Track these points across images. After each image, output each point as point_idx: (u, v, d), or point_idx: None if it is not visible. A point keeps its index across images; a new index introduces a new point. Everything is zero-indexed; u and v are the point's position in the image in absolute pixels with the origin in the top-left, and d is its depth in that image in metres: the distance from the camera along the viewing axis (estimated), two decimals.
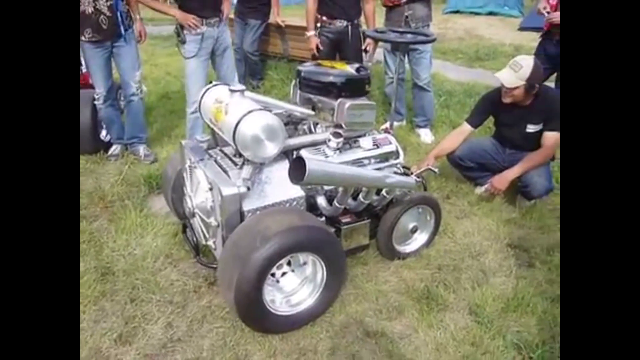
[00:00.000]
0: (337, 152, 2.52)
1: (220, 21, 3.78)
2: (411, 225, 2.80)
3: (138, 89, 3.76)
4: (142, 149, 3.99)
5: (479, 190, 3.53)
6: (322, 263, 2.27)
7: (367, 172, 2.35)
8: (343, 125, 2.52)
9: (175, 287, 2.59)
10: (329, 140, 2.49)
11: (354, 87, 2.53)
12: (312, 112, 2.64)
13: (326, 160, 2.40)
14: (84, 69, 4.21)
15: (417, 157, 4.11)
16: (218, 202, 2.27)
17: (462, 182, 3.66)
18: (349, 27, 4.12)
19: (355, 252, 2.77)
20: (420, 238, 2.88)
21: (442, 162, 3.63)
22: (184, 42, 3.73)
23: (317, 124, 2.66)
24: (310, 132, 2.64)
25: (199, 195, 2.40)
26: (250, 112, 2.21)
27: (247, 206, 2.30)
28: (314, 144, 2.54)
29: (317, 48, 4.19)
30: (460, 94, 5.61)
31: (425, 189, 3.07)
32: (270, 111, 2.28)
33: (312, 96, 2.62)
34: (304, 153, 2.45)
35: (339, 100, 2.51)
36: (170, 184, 2.88)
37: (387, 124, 4.25)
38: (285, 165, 2.48)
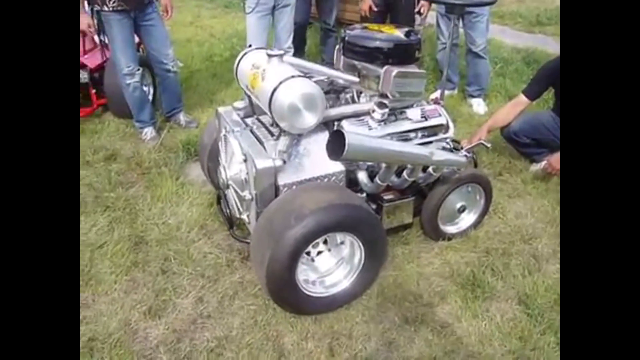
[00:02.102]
0: (382, 124, 2.33)
1: None
2: (459, 205, 2.60)
3: (174, 66, 3.61)
4: (182, 116, 3.90)
5: (535, 167, 3.26)
6: (361, 244, 2.12)
7: (412, 148, 2.15)
8: (389, 95, 2.31)
9: (208, 260, 2.51)
10: (373, 111, 2.30)
11: (402, 54, 2.31)
12: (357, 79, 2.44)
13: (368, 134, 2.22)
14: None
15: (469, 129, 3.84)
16: (252, 175, 2.14)
17: (516, 157, 3.40)
18: None
19: (397, 230, 2.61)
20: (468, 218, 2.67)
21: (495, 135, 3.36)
22: None
23: (361, 92, 2.46)
24: (354, 101, 2.45)
25: (233, 166, 2.28)
26: (287, 78, 2.04)
27: (282, 180, 2.16)
28: (356, 115, 2.35)
29: (371, 9, 3.94)
30: (518, 61, 5.21)
31: (475, 165, 2.84)
32: (310, 78, 2.09)
33: (356, 62, 2.42)
34: (345, 125, 2.28)
35: (385, 67, 2.29)
36: (206, 152, 2.78)
37: (438, 94, 3.99)
38: (324, 137, 2.30)
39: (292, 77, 2.06)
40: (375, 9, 3.95)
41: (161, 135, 3.68)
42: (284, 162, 2.13)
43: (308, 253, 2.20)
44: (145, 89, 4.12)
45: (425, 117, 2.44)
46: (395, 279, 2.38)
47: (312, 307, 2.14)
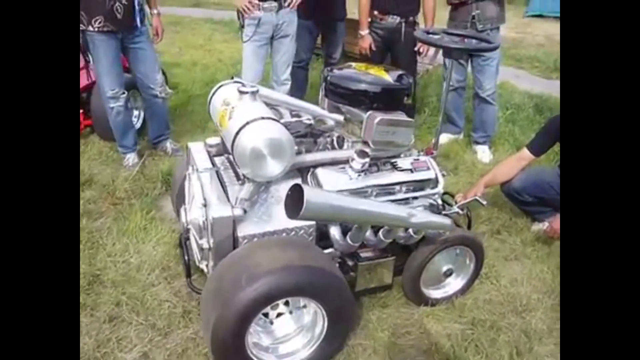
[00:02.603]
0: (362, 174, 2.10)
1: (280, 7, 3.45)
2: (445, 268, 2.34)
3: (161, 93, 3.45)
4: (168, 144, 3.72)
5: (537, 227, 3.00)
6: (324, 312, 1.87)
7: (386, 208, 1.90)
8: (370, 144, 2.09)
9: (163, 309, 2.27)
10: (352, 159, 2.07)
11: (388, 99, 2.10)
12: (341, 118, 2.23)
13: (340, 187, 1.99)
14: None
15: (470, 178, 3.60)
16: (209, 223, 1.92)
17: (517, 214, 3.13)
18: (402, 24, 3.64)
19: (374, 290, 2.36)
20: (454, 283, 2.41)
21: (496, 189, 3.11)
22: (242, 26, 3.56)
23: (342, 138, 2.24)
24: (333, 147, 2.23)
25: (193, 210, 2.06)
26: (253, 120, 1.83)
27: (242, 231, 1.93)
28: (335, 162, 2.13)
29: (370, 48, 3.74)
30: (529, 108, 4.97)
31: (469, 224, 2.59)
32: (277, 121, 1.88)
33: (340, 105, 2.21)
34: (319, 173, 2.06)
35: (369, 113, 2.09)
36: (176, 188, 2.58)
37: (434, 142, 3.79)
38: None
39: (258, 118, 1.85)
40: (374, 48, 3.75)
41: (141, 164, 3.49)
42: (245, 211, 1.90)
43: (266, 314, 1.96)
44: (136, 112, 3.98)
45: (411, 170, 2.20)
46: (364, 349, 2.11)
47: None
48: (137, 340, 2.11)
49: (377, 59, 3.78)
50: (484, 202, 2.53)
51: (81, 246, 2.63)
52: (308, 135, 2.20)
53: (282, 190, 2.06)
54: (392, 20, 3.65)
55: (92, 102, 3.69)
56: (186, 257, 2.22)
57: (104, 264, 2.53)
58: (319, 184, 2.04)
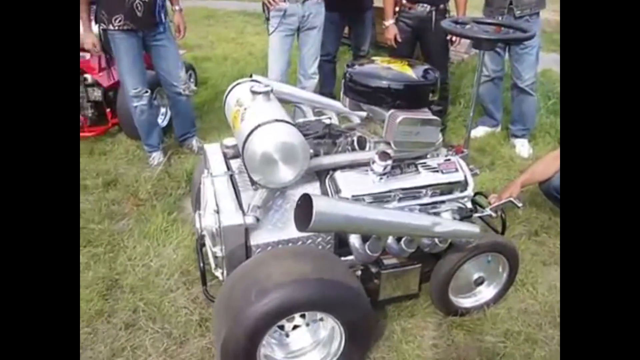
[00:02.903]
0: (384, 177, 1.96)
1: None
2: (476, 276, 2.18)
3: (185, 90, 3.38)
4: (194, 142, 3.67)
5: None
6: (341, 327, 1.75)
7: (406, 217, 1.76)
8: (392, 145, 1.95)
9: (180, 316, 2.21)
10: (373, 162, 1.93)
11: (411, 96, 1.94)
12: (363, 115, 2.10)
13: (353, 195, 1.85)
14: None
15: (508, 175, 3.39)
16: (221, 231, 1.83)
17: (557, 215, 2.92)
18: (433, 13, 3.43)
19: (400, 300, 2.23)
20: (486, 292, 2.25)
21: (535, 187, 2.90)
22: (267, 18, 3.48)
23: (364, 138, 2.10)
24: (354, 148, 2.09)
25: (207, 216, 1.97)
26: (264, 123, 1.73)
27: (255, 240, 1.84)
28: (354, 165, 2.00)
29: (396, 39, 3.56)
30: None
31: (503, 228, 2.40)
32: (290, 123, 1.76)
33: (361, 104, 2.08)
34: (337, 176, 1.93)
35: (390, 111, 1.94)
36: (194, 191, 2.50)
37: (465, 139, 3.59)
38: (314, 189, 1.98)
39: (270, 121, 1.74)
40: (399, 40, 3.56)
41: (166, 162, 3.45)
42: (257, 219, 1.80)
43: (281, 327, 1.86)
44: (163, 110, 3.94)
45: (438, 171, 2.05)
46: None
47: None
48: (152, 349, 2.06)
49: (406, 50, 3.59)
50: (520, 205, 2.34)
51: (102, 249, 2.61)
52: (327, 136, 2.07)
53: (298, 195, 1.94)
54: (422, 8, 3.45)
55: (118, 100, 3.67)
56: (201, 264, 2.14)
57: (123, 268, 2.50)
58: (337, 189, 1.92)
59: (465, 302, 2.23)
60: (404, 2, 3.49)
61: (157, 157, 3.49)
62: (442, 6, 3.45)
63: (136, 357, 2.02)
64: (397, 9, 3.56)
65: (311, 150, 1.99)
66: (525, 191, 3.00)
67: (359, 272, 2.10)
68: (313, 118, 2.37)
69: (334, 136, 2.08)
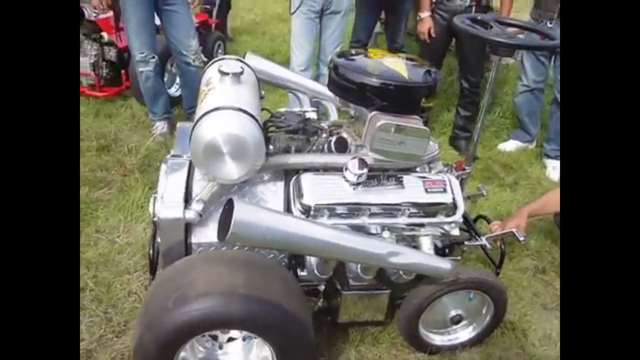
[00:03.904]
0: (357, 187, 1.71)
1: None
2: (453, 313, 1.91)
3: (195, 60, 3.20)
4: None
5: None
6: (272, 350, 1.53)
7: (353, 241, 1.49)
8: (369, 152, 1.70)
9: (127, 302, 2.07)
10: (346, 168, 1.68)
11: (399, 98, 1.67)
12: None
13: (279, 211, 1.59)
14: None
15: (529, 198, 3.04)
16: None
17: None
18: (473, 7, 3.08)
19: (365, 325, 1.99)
20: (463, 332, 1.97)
21: (548, 220, 2.57)
22: None
23: (345, 140, 1.85)
24: (330, 150, 1.84)
25: (156, 202, 1.78)
26: (214, 110, 1.51)
27: (197, 238, 1.65)
28: (327, 168, 1.76)
29: (430, 33, 3.24)
30: None
31: (500, 262, 2.09)
32: (247, 113, 1.53)
33: (345, 101, 1.83)
34: (303, 179, 1.69)
35: (372, 113, 1.68)
36: None
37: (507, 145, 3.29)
38: (276, 189, 1.76)
39: (224, 108, 1.52)
40: (433, 34, 3.23)
41: (168, 134, 3.30)
42: (200, 215, 1.60)
43: (215, 337, 1.67)
44: (178, 79, 3.79)
45: (422, 190, 1.77)
46: None
47: None
48: (86, 334, 1.92)
49: (439, 47, 3.28)
50: (522, 238, 2.03)
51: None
52: (301, 132, 1.83)
53: (258, 194, 1.74)
54: (461, 2, 3.10)
55: (130, 63, 3.54)
56: (151, 252, 1.96)
57: (88, 240, 2.37)
58: (300, 193, 1.69)
59: (438, 339, 1.96)
60: None
61: (160, 126, 3.35)
62: (483, 1, 3.10)
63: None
64: (434, 0, 3.23)
65: (278, 145, 1.78)
66: (543, 219, 2.67)
67: (323, 287, 1.87)
68: (305, 109, 2.15)
69: (309, 132, 1.84)
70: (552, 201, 2.27)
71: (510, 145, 3.60)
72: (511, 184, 3.19)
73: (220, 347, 1.69)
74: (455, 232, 1.83)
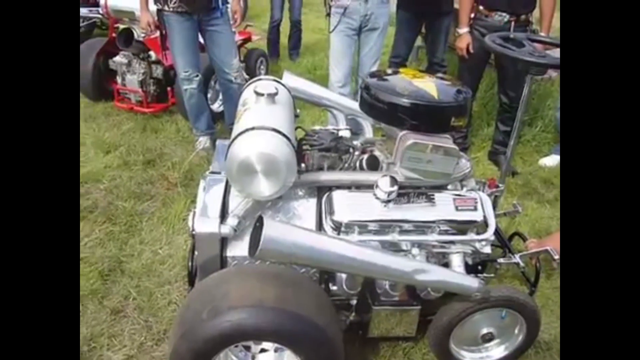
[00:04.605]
0: (387, 205, 1.74)
1: None
2: (485, 331, 1.90)
3: (237, 78, 3.30)
4: None
5: None
6: None
7: (380, 258, 1.52)
8: (399, 170, 1.73)
9: (167, 312, 2.16)
10: (376, 186, 1.72)
11: (428, 118, 1.70)
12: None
13: (308, 229, 1.61)
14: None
15: None
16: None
17: None
18: (512, 24, 3.06)
19: (394, 339, 2.01)
20: (495, 351, 1.96)
21: None
22: (328, 14, 3.33)
23: (376, 158, 1.89)
24: (362, 168, 1.88)
25: (194, 217, 1.87)
26: (249, 129, 1.58)
27: (232, 251, 1.72)
28: (358, 185, 1.80)
29: (468, 49, 3.23)
30: None
31: (536, 280, 2.06)
32: (281, 133, 1.60)
33: (376, 120, 1.87)
34: (335, 196, 1.74)
35: (402, 132, 1.72)
36: None
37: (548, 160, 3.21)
38: (309, 206, 1.81)
39: (258, 128, 1.59)
40: (472, 50, 3.21)
41: (211, 149, 3.42)
42: (235, 230, 1.67)
43: (247, 347, 1.73)
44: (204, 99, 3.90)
45: (452, 208, 1.79)
46: None
47: None
48: (128, 341, 2.02)
49: (477, 63, 3.27)
50: (557, 256, 2.00)
51: (119, 228, 2.62)
52: (333, 150, 1.88)
53: (291, 210, 1.80)
54: (500, 17, 3.08)
55: (176, 81, 3.69)
56: (190, 264, 2.05)
57: (132, 250, 2.49)
58: (331, 210, 1.73)
59: (469, 357, 1.95)
60: (480, 8, 3.15)
61: (203, 141, 3.48)
62: (523, 17, 3.07)
63: (111, 346, 1.99)
64: (472, 15, 3.22)
65: (311, 163, 1.84)
66: None
67: (354, 302, 1.91)
68: (339, 126, 2.20)
69: (341, 150, 1.89)
70: None
71: (552, 160, 3.53)
72: (551, 200, 3.13)
73: (253, 358, 1.75)
74: (487, 249, 1.83)
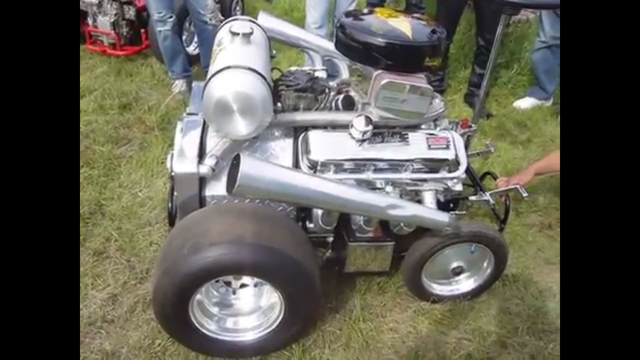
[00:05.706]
0: (362, 144, 1.78)
1: None
2: (454, 264, 2.00)
3: (212, 19, 3.22)
4: None
5: None
6: (280, 296, 1.66)
7: (354, 193, 1.58)
8: (373, 110, 1.76)
9: (149, 252, 2.21)
10: (352, 126, 1.76)
11: (403, 57, 1.71)
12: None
13: (283, 166, 1.64)
14: None
15: (542, 155, 3.06)
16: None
17: None
18: None
19: (371, 274, 2.10)
20: (465, 284, 2.07)
21: (557, 177, 2.60)
22: None
23: (352, 99, 1.91)
24: (337, 108, 1.91)
25: (172, 158, 1.88)
26: (225, 69, 1.58)
27: (211, 191, 1.76)
28: (333, 125, 1.83)
29: None
30: None
31: (505, 217, 2.15)
32: (257, 72, 1.60)
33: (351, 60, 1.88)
34: (311, 136, 1.77)
35: (377, 72, 1.73)
36: None
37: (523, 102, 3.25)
38: (285, 145, 1.84)
39: (234, 67, 1.59)
40: None
41: (187, 92, 3.38)
42: (213, 170, 1.70)
43: (228, 283, 1.81)
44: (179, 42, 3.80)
45: (425, 146, 1.83)
46: (336, 338, 1.89)
47: (206, 348, 1.76)
48: (112, 280, 2.07)
49: (455, 4, 3.24)
50: (525, 194, 2.09)
51: (97, 171, 2.62)
52: (309, 90, 1.89)
53: (268, 149, 1.83)
54: None
55: (149, 22, 3.59)
56: (170, 205, 2.08)
57: (112, 194, 2.51)
58: (307, 149, 1.77)
59: (440, 290, 2.06)
60: None
61: (179, 85, 3.44)
62: None
63: (95, 285, 2.05)
64: None
65: (287, 103, 1.85)
66: (553, 177, 2.71)
67: (331, 239, 1.97)
68: (315, 67, 2.20)
69: (317, 91, 1.90)
70: (557, 159, 2.30)
71: (526, 103, 3.59)
72: (524, 141, 3.21)
73: (234, 293, 1.83)
74: (458, 187, 1.90)
